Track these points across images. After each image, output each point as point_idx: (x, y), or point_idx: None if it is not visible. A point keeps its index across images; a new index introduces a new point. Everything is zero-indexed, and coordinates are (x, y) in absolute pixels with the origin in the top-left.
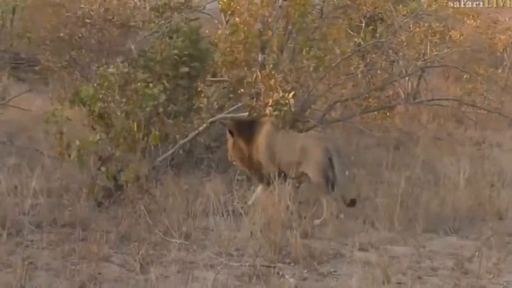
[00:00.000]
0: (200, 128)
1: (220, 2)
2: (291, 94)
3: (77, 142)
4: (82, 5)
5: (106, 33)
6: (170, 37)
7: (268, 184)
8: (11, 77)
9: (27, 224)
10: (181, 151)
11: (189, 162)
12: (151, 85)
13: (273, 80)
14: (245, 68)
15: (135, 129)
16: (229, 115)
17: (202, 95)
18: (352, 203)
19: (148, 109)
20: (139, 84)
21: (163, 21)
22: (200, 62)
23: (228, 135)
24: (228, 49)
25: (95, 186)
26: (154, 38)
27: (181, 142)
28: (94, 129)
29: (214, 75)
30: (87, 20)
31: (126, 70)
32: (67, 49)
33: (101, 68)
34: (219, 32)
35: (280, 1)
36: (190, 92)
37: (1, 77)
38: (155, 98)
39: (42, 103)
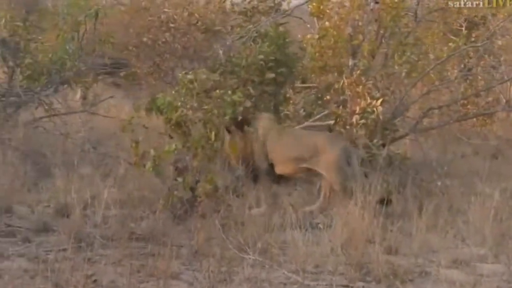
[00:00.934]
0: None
1: (309, 6)
2: (379, 102)
3: (152, 152)
4: (165, 9)
5: (190, 38)
6: (257, 42)
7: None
8: (96, 83)
9: (97, 237)
10: None
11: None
12: (230, 92)
13: (360, 87)
14: (335, 74)
15: (213, 138)
16: (314, 123)
17: (291, 101)
18: (382, 201)
19: (227, 117)
20: (217, 91)
21: (251, 26)
22: (287, 67)
23: (225, 132)
24: (317, 54)
25: (171, 198)
26: (240, 43)
27: None
28: (171, 138)
29: (304, 81)
30: (171, 25)
31: (204, 76)
32: (150, 54)
33: (180, 75)
34: (308, 36)
35: (371, 4)
36: (277, 98)
37: (90, 83)
38: (234, 105)
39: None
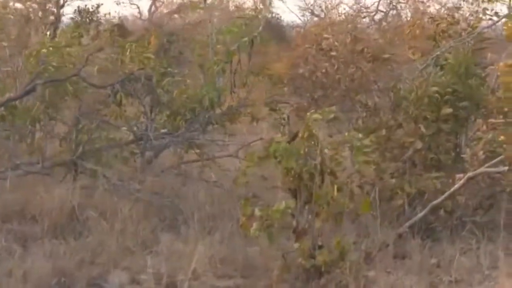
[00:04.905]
0: (456, 185)
1: (504, 28)
2: None
3: (257, 211)
4: (326, 35)
5: (355, 68)
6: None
7: None
8: None
9: None
10: (442, 213)
11: (447, 227)
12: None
13: None
14: None
15: (335, 193)
16: (490, 170)
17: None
18: None
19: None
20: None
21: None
22: (472, 101)
23: None
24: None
25: (288, 266)
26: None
27: (434, 202)
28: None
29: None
30: (332, 53)
31: (332, 115)
32: (308, 88)
33: (307, 114)
34: (501, 64)
35: None
36: (460, 138)
37: None
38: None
39: None
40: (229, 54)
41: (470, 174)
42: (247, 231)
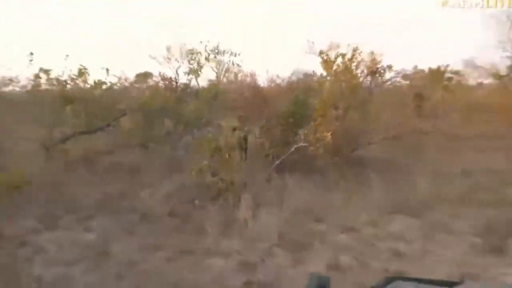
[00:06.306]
0: (292, 149)
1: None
2: (329, 134)
3: (194, 167)
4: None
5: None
6: None
7: None
8: None
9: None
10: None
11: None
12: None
13: (321, 127)
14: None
15: (227, 157)
16: (302, 144)
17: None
18: None
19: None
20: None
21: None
22: (300, 114)
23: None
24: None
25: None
26: None
27: (283, 157)
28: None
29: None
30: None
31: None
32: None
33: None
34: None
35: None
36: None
37: None
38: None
39: None
40: None
41: (296, 146)
42: (190, 174)
